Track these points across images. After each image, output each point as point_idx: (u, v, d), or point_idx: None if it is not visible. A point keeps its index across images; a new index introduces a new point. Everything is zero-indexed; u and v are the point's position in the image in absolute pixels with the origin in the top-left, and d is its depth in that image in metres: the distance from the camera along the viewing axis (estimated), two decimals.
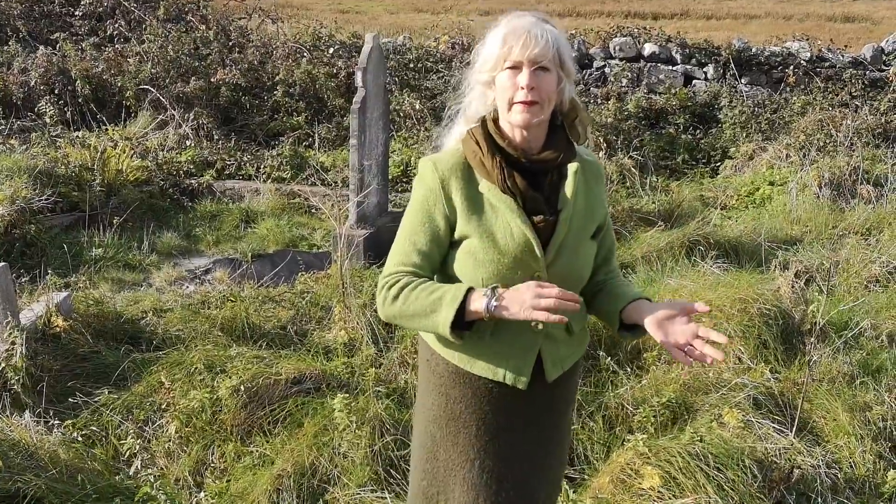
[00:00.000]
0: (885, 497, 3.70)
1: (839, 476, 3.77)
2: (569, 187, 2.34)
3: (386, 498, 3.70)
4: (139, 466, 3.87)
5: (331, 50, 10.99)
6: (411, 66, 10.83)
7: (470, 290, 2.21)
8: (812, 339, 4.51)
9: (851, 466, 3.94)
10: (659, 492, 3.43)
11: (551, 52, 2.23)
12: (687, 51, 10.68)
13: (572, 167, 2.35)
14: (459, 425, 2.44)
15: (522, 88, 2.22)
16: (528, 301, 2.12)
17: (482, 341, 2.33)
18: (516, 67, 2.24)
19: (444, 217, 2.32)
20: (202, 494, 3.80)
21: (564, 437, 2.64)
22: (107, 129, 9.54)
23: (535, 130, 2.32)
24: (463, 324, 2.23)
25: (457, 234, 2.32)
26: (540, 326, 2.33)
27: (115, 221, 7.30)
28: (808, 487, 3.65)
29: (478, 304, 2.19)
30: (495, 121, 2.35)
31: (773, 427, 4.07)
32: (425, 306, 2.24)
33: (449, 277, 2.36)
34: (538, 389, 2.42)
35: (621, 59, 10.75)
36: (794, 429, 4.07)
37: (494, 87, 2.30)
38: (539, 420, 2.48)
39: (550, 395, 2.47)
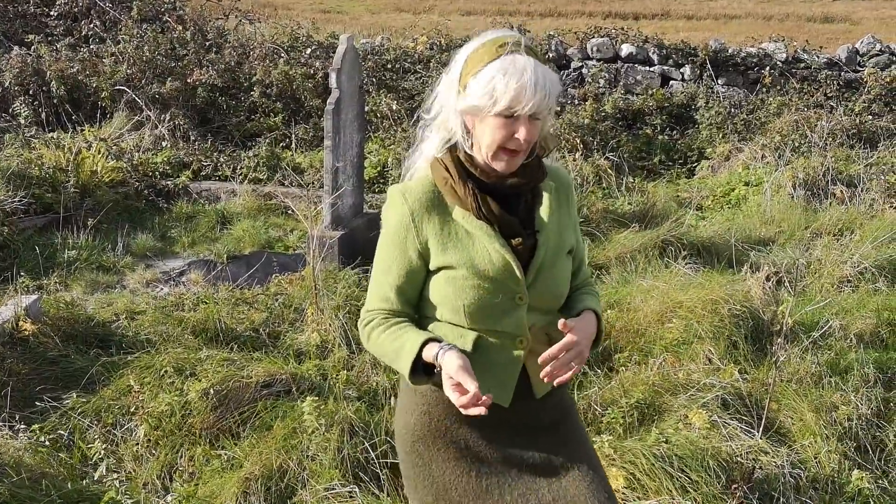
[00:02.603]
0: (848, 496, 3.72)
1: (803, 476, 3.80)
2: (545, 207, 2.35)
3: (356, 498, 3.69)
4: (105, 471, 3.84)
5: (308, 50, 10.95)
6: (389, 66, 10.82)
7: (427, 342, 2.24)
8: (780, 339, 4.54)
9: (817, 466, 3.97)
10: (623, 493, 3.45)
11: (551, 103, 2.20)
12: (664, 51, 10.72)
13: (547, 187, 2.36)
14: (448, 440, 2.40)
15: (516, 137, 2.19)
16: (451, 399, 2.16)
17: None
18: (513, 116, 2.18)
19: (417, 250, 2.30)
20: (169, 498, 3.78)
21: (578, 441, 2.51)
22: (82, 130, 9.49)
23: None
24: (422, 370, 2.26)
25: (433, 265, 2.30)
26: (522, 343, 2.33)
27: (89, 223, 7.26)
28: (771, 487, 3.67)
29: (430, 355, 2.23)
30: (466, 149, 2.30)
31: (741, 427, 4.09)
32: (389, 352, 2.30)
33: (428, 305, 2.35)
34: (526, 405, 2.40)
35: (599, 60, 10.78)
36: (761, 429, 4.09)
37: (478, 119, 2.23)
38: (534, 433, 2.45)
39: (541, 408, 2.44)
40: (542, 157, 2.39)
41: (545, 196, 2.36)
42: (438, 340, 2.25)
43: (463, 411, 2.12)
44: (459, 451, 2.40)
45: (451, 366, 2.16)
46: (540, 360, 2.22)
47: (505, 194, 2.31)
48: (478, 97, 2.18)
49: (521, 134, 2.19)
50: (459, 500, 2.40)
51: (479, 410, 2.09)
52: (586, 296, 2.49)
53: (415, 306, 2.39)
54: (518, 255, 2.28)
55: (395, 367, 2.31)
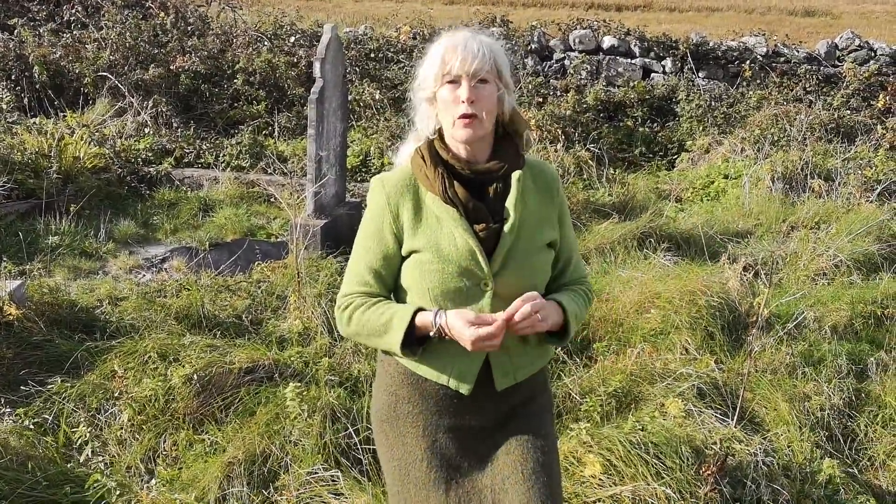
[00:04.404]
0: (819, 484, 3.81)
1: (775, 463, 3.88)
2: (512, 196, 2.37)
3: (338, 482, 3.74)
4: (90, 454, 3.88)
5: (291, 39, 10.97)
6: (372, 55, 10.85)
7: (418, 311, 2.30)
8: (756, 330, 4.62)
9: (789, 454, 4.06)
10: (600, 479, 3.52)
11: (488, 63, 2.29)
12: (645, 44, 10.79)
13: (515, 175, 2.39)
14: (407, 424, 2.47)
15: (464, 102, 2.27)
16: (466, 341, 2.22)
17: (431, 344, 2.36)
18: (455, 82, 2.29)
19: (392, 234, 2.37)
20: (153, 482, 3.83)
21: (536, 449, 2.49)
22: (64, 116, 9.47)
23: (479, 144, 2.37)
24: (414, 340, 2.32)
25: (405, 250, 2.37)
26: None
27: (71, 209, 7.25)
28: (743, 474, 3.76)
29: (425, 321, 2.29)
30: (441, 136, 2.40)
31: (716, 416, 4.18)
32: (377, 328, 2.34)
33: (401, 291, 2.42)
34: (487, 397, 2.44)
35: (581, 52, 10.84)
36: (736, 418, 4.17)
37: (436, 103, 2.35)
38: (492, 429, 2.49)
39: (503, 403, 2.48)
40: (522, 149, 2.45)
41: (515, 186, 2.38)
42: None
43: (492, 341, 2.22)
44: (415, 438, 2.48)
45: (455, 317, 2.25)
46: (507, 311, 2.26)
47: (479, 182, 2.38)
48: (425, 76, 2.35)
49: (463, 93, 2.28)
50: (414, 484, 2.47)
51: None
52: (566, 292, 2.49)
53: (391, 290, 2.45)
54: (483, 242, 2.33)
55: (380, 343, 2.36)
